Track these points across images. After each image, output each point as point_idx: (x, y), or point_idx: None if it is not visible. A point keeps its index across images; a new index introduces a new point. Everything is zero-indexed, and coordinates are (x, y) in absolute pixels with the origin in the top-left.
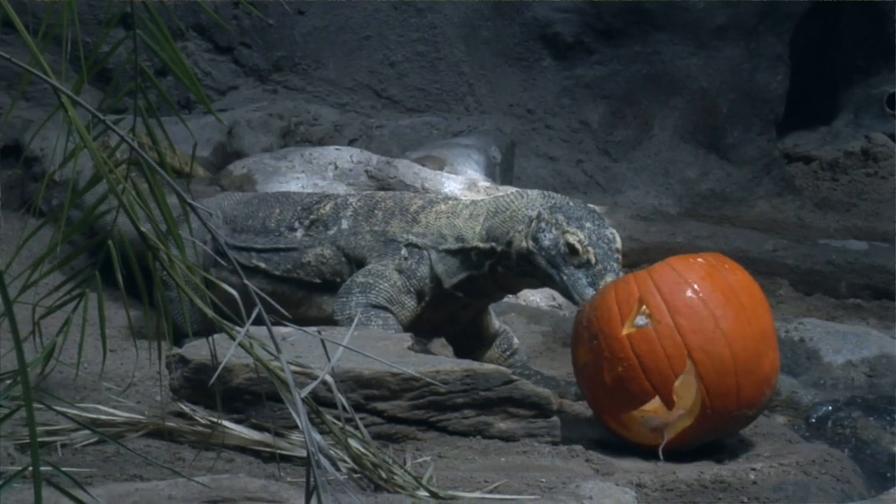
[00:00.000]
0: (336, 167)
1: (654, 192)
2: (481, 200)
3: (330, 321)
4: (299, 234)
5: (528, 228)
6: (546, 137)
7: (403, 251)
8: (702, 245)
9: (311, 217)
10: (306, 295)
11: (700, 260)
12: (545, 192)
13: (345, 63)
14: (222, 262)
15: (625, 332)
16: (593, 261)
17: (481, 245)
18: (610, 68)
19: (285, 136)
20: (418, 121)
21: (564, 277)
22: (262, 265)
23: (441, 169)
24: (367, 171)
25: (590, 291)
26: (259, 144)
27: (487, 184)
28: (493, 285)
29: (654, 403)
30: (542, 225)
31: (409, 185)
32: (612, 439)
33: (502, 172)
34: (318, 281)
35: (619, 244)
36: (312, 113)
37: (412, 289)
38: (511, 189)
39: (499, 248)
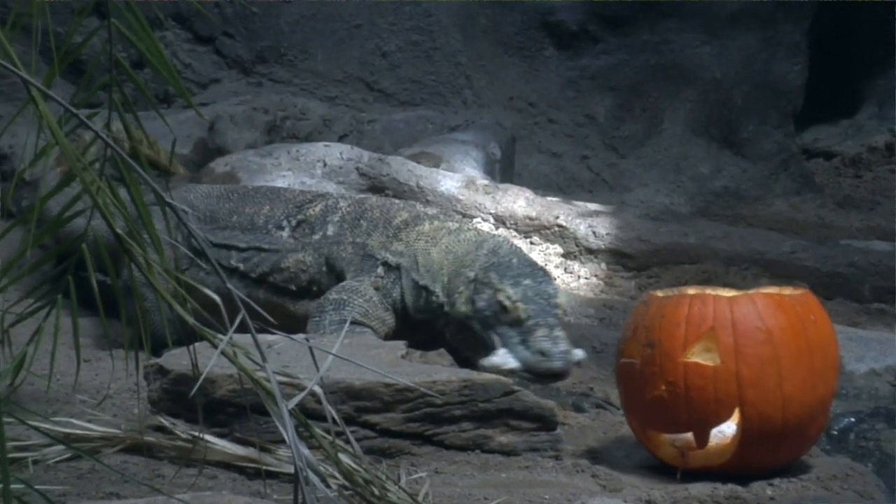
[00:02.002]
0: (325, 164)
1: (665, 190)
2: (465, 230)
3: (294, 331)
4: (285, 233)
5: (468, 291)
6: (549, 132)
7: (380, 269)
8: (715, 247)
9: (300, 217)
10: (279, 301)
11: (787, 300)
12: (498, 244)
13: (334, 54)
14: (201, 262)
15: (684, 358)
16: (523, 317)
17: (440, 297)
18: (617, 58)
19: (271, 131)
20: (412, 115)
21: (496, 338)
22: (241, 266)
23: (437, 166)
24: (357, 169)
25: (522, 353)
26: (243, 140)
27: (486, 181)
28: (444, 337)
29: (686, 438)
30: (479, 287)
31: (402, 184)
32: (619, 454)
33: (502, 169)
34: (293, 288)
35: (560, 300)
36: (300, 107)
37: (389, 307)
38: (509, 191)
39: (446, 306)
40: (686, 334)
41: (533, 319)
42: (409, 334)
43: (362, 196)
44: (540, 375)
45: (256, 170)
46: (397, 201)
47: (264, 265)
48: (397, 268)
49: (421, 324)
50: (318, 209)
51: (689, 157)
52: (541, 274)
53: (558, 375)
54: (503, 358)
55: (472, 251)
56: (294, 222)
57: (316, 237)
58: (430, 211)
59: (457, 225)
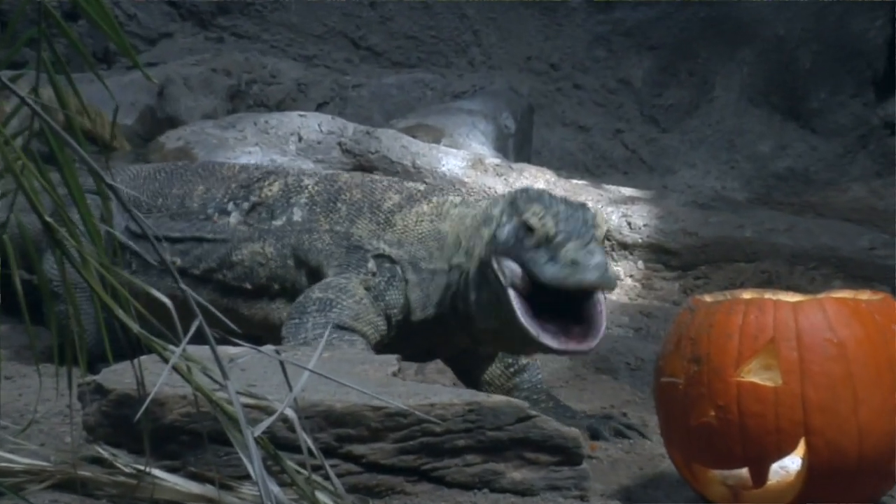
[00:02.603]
0: (300, 139)
1: (716, 172)
2: (476, 201)
3: (258, 341)
4: (233, 219)
5: (492, 230)
6: (574, 101)
7: (371, 264)
8: (777, 241)
9: (252, 199)
10: (231, 303)
11: (864, 307)
12: (521, 189)
13: (311, 4)
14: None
15: (737, 376)
16: (552, 233)
17: (453, 261)
18: (658, 11)
19: (234, 98)
20: (407, 78)
21: (522, 265)
22: (178, 261)
23: (437, 141)
24: (340, 144)
25: (549, 268)
26: (199, 109)
27: (497, 160)
28: (463, 331)
29: (740, 475)
30: (503, 220)
31: (395, 163)
32: (658, 494)
33: (517, 146)
34: (247, 286)
35: (600, 226)
36: (269, 68)
37: (381, 311)
38: (525, 172)
39: (459, 263)
40: (740, 348)
41: (564, 234)
42: (404, 344)
43: (329, 172)
44: (572, 292)
45: (216, 145)
46: (378, 178)
47: (209, 259)
48: (395, 263)
49: (424, 329)
50: (275, 188)
51: (746, 132)
52: (579, 205)
53: (592, 287)
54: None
55: (495, 204)
56: (246, 206)
57: (277, 223)
58: (421, 187)
59: (460, 198)
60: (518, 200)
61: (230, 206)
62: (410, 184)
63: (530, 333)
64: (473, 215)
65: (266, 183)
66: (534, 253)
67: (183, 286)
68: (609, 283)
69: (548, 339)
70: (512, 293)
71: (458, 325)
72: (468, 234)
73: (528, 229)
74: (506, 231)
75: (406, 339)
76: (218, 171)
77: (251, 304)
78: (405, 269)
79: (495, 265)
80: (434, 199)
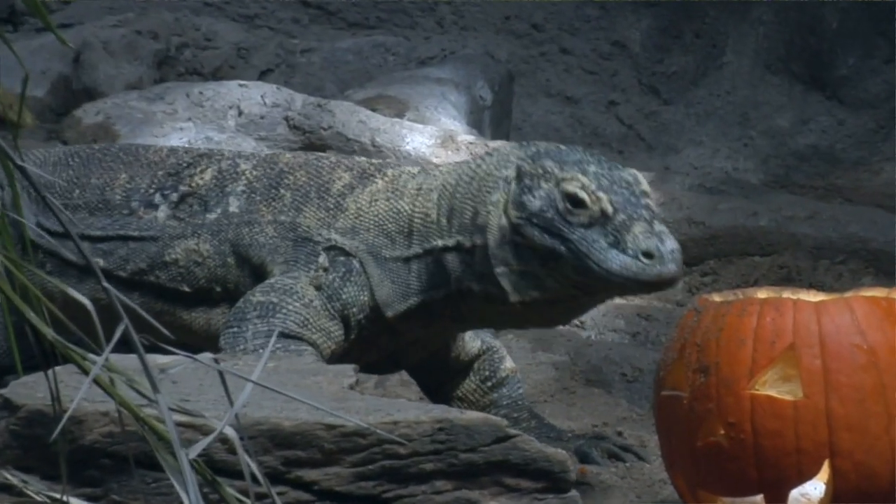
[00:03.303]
0: (240, 113)
1: (727, 151)
2: (436, 168)
3: (203, 348)
4: (162, 214)
5: (506, 196)
6: (561, 67)
7: (322, 258)
8: (798, 231)
9: (182, 189)
10: (168, 309)
11: None
12: (523, 143)
13: None
14: (71, 255)
15: (751, 389)
16: (610, 210)
17: (441, 242)
18: None
19: (162, 65)
20: (365, 42)
21: (572, 246)
22: (101, 262)
23: (401, 115)
24: (287, 119)
25: (614, 256)
26: (122, 78)
27: (471, 137)
28: (452, 316)
29: (754, 503)
30: (527, 182)
31: (351, 140)
32: None
33: (494, 120)
34: (185, 289)
35: (645, 186)
36: (203, 30)
37: (335, 314)
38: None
39: (468, 243)
40: (754, 356)
41: (623, 213)
42: (368, 349)
43: (269, 153)
44: (648, 287)
45: (141, 120)
46: (324, 156)
47: (138, 260)
48: (352, 254)
49: (403, 322)
50: (208, 175)
51: (762, 105)
52: (605, 161)
53: (671, 282)
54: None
55: (484, 160)
56: (175, 197)
57: (212, 216)
58: (374, 161)
59: (418, 168)
60: (543, 161)
61: (157, 198)
62: (360, 159)
63: (623, 273)
64: (444, 184)
65: (197, 170)
66: (585, 232)
67: (106, 284)
68: (682, 272)
69: (647, 269)
70: (577, 239)
71: (454, 309)
72: (463, 206)
73: (575, 203)
74: (538, 199)
75: (371, 341)
76: (143, 156)
77: (191, 309)
78: (364, 261)
79: (536, 238)
80: (389, 173)
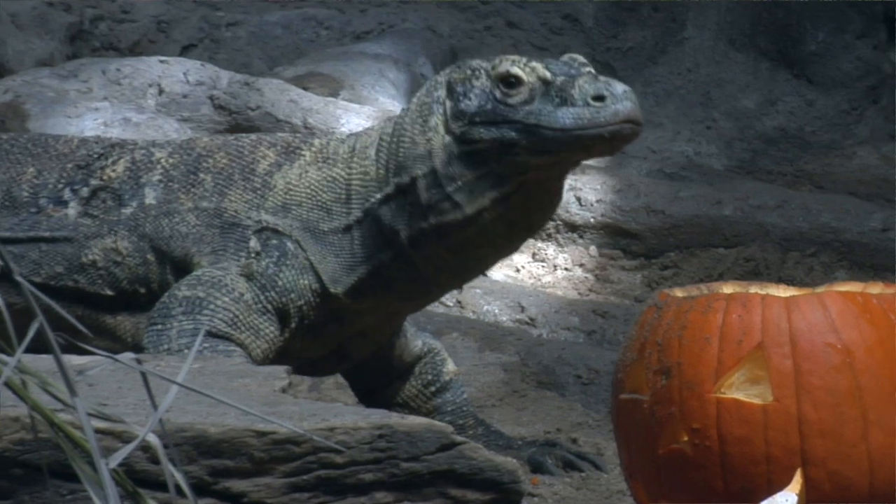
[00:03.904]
0: (161, 91)
1: (688, 134)
2: (370, 127)
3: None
4: (72, 211)
5: (444, 115)
6: (508, 43)
7: (253, 242)
8: (765, 221)
9: (93, 183)
10: (90, 314)
11: (875, 303)
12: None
13: None
14: None
15: (716, 392)
16: (548, 75)
17: (380, 195)
18: None
19: (76, 39)
20: (296, 15)
21: (520, 125)
22: (12, 265)
23: (335, 94)
24: (212, 99)
25: (564, 112)
26: (32, 54)
27: None
28: (407, 277)
29: None
30: (459, 90)
31: (281, 121)
32: None
33: None
34: (108, 292)
35: (583, 60)
36: (120, 1)
37: (270, 306)
38: None
39: (407, 179)
40: (720, 356)
41: (563, 75)
42: (312, 339)
43: (186, 139)
44: (610, 130)
45: (54, 99)
46: (244, 136)
47: (53, 263)
48: (285, 234)
49: (354, 295)
50: (120, 167)
51: (726, 83)
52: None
53: (630, 121)
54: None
55: (412, 103)
56: (85, 192)
57: (127, 211)
58: (298, 134)
59: (349, 134)
60: (470, 62)
61: (66, 194)
62: (283, 134)
63: (578, 123)
64: (380, 134)
65: (109, 161)
66: (530, 107)
67: (19, 277)
68: (640, 117)
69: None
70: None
71: (409, 267)
72: (401, 145)
73: (511, 83)
74: (474, 99)
75: (316, 332)
76: (52, 147)
77: (115, 313)
78: (301, 239)
79: (484, 135)
80: (316, 143)
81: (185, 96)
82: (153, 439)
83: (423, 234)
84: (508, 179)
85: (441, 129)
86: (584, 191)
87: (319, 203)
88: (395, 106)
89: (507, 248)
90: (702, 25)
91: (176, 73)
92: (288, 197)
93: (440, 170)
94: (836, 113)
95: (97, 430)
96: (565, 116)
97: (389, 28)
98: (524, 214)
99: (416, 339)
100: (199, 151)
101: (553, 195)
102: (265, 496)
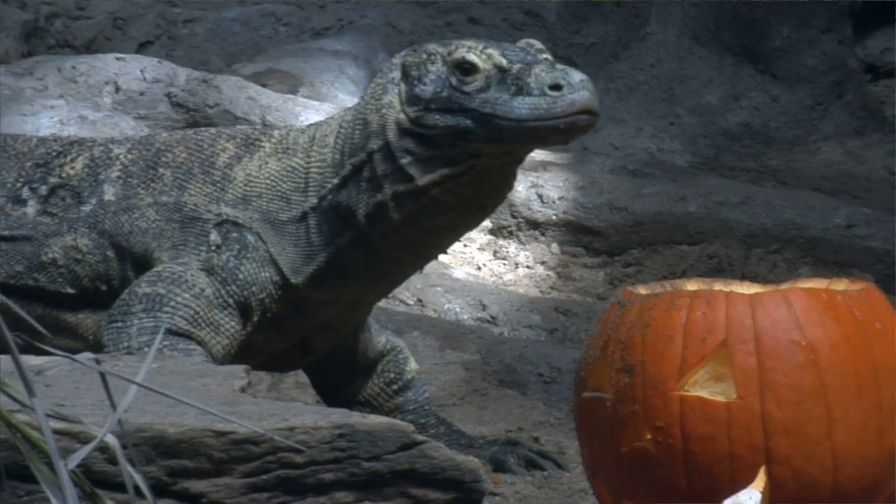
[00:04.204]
0: (117, 89)
1: (651, 130)
2: (331, 116)
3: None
4: (31, 209)
5: (398, 96)
6: (469, 38)
7: (214, 235)
8: (729, 218)
9: (52, 181)
10: (50, 313)
11: (840, 300)
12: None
13: None
14: None
15: (680, 390)
16: (504, 62)
17: (336, 179)
18: None
19: (31, 37)
20: (254, 11)
21: (476, 114)
22: None
23: (294, 91)
24: (169, 96)
25: (520, 102)
26: None
27: None
28: (365, 260)
29: None
30: (414, 74)
31: (240, 119)
32: None
33: None
34: (69, 290)
35: (540, 46)
36: None
37: (231, 300)
38: None
39: (363, 156)
40: (684, 354)
41: (519, 63)
42: (274, 332)
43: (144, 135)
44: (565, 121)
45: (9, 97)
46: (202, 130)
47: (13, 262)
48: (245, 226)
49: (302, 301)
50: (79, 165)
51: (689, 79)
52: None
53: (587, 111)
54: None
55: (367, 88)
56: (44, 190)
57: (87, 208)
58: (257, 127)
59: (312, 123)
60: (425, 46)
61: (25, 193)
62: (242, 127)
63: (534, 114)
64: (339, 121)
65: (67, 159)
66: (486, 95)
67: None
68: (598, 108)
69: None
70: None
71: (366, 249)
72: (355, 128)
73: (467, 70)
74: (429, 84)
75: (278, 324)
76: (10, 147)
77: (77, 311)
78: (261, 231)
79: (439, 122)
80: (276, 134)
81: (141, 94)
82: (111, 440)
83: (380, 207)
84: (461, 163)
85: (395, 106)
86: (546, 188)
87: (279, 193)
88: (354, 102)
89: (461, 224)
90: (665, 21)
91: (133, 70)
92: (248, 189)
93: (394, 143)
94: (800, 108)
95: (55, 431)
96: (521, 106)
97: (349, 24)
98: (476, 192)
99: (379, 335)
100: (158, 146)
101: (506, 177)
102: (224, 496)
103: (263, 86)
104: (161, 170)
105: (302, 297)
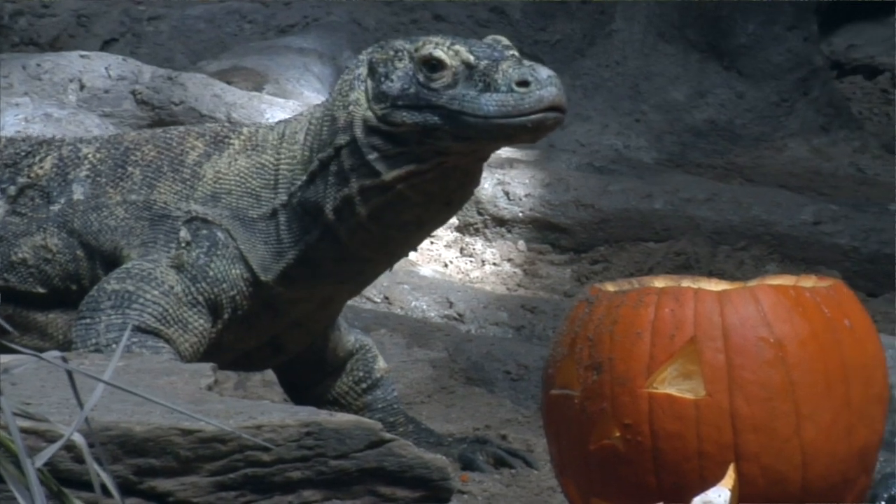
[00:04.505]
0: (82, 87)
1: (617, 127)
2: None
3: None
4: (0, 209)
5: (365, 93)
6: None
7: (183, 232)
8: (695, 215)
9: (20, 181)
10: (20, 312)
11: (808, 297)
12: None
13: None
14: None
15: (648, 387)
16: (472, 59)
17: (305, 176)
18: None
19: None
20: (219, 9)
21: (444, 111)
22: None
23: (259, 89)
24: (134, 94)
25: (487, 99)
26: None
27: None
28: (334, 256)
29: None
30: (381, 71)
31: (205, 116)
32: None
33: None
34: (40, 290)
35: (507, 42)
36: None
37: (201, 298)
38: None
39: (331, 151)
40: (652, 351)
41: (486, 59)
42: (245, 330)
43: (113, 135)
44: (533, 119)
45: None
46: (172, 128)
47: None
48: (215, 223)
49: (273, 299)
50: (48, 164)
51: (655, 76)
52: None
53: (555, 108)
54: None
55: (335, 85)
56: (13, 190)
57: (56, 207)
58: (226, 124)
59: (283, 120)
60: (392, 43)
61: None
62: (211, 124)
63: (502, 111)
64: (309, 117)
65: (36, 159)
66: (454, 92)
67: None
68: (566, 104)
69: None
70: (446, 101)
71: (334, 245)
72: (322, 125)
73: (434, 66)
74: (397, 81)
75: (249, 322)
76: None
77: (47, 311)
78: (231, 228)
79: (406, 119)
80: (245, 131)
81: (106, 91)
82: (78, 438)
83: (346, 201)
84: (428, 160)
85: (362, 103)
86: (513, 185)
87: (248, 190)
88: (320, 100)
89: (426, 220)
90: (630, 18)
91: (97, 67)
92: (217, 186)
93: (361, 140)
94: (766, 105)
95: (21, 430)
96: (489, 103)
97: (314, 21)
98: (442, 188)
99: (348, 334)
100: (127, 145)
101: (472, 174)
102: (191, 495)
103: (229, 83)
104: (130, 168)
105: (273, 295)
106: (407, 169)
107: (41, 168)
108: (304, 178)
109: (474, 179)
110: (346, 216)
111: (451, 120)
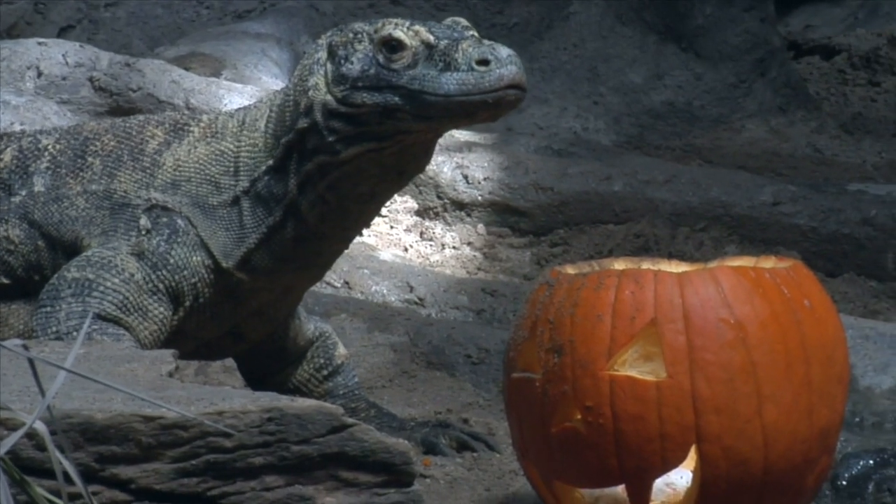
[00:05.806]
0: (39, 74)
1: (575, 110)
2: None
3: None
4: None
5: (324, 77)
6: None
7: (143, 220)
8: (654, 196)
9: None
10: None
11: (768, 278)
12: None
13: None
14: None
15: (609, 370)
16: (432, 39)
17: (267, 164)
18: None
19: None
20: None
21: (404, 91)
22: None
23: (217, 74)
24: (92, 80)
25: (448, 78)
26: None
27: None
28: (295, 236)
29: (615, 494)
30: (341, 54)
31: (163, 102)
32: None
33: None
34: (4, 281)
35: (466, 23)
36: None
37: (162, 285)
38: None
39: (293, 136)
40: (613, 333)
41: (446, 39)
42: (207, 318)
43: (72, 125)
44: (494, 96)
45: None
46: (131, 117)
47: None
48: (174, 210)
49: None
50: (7, 157)
51: (613, 58)
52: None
53: (515, 86)
54: None
55: (296, 71)
56: None
57: (17, 199)
58: (186, 112)
59: (234, 109)
60: (352, 25)
61: None
62: (170, 113)
63: (462, 89)
64: (270, 103)
65: None
66: (414, 72)
67: None
68: (526, 83)
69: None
70: (406, 82)
71: (297, 224)
72: (290, 110)
73: (394, 47)
74: (356, 63)
75: (211, 311)
76: None
77: (10, 302)
78: (191, 216)
79: (367, 100)
80: (205, 119)
81: (64, 78)
82: (40, 426)
83: (308, 176)
84: (388, 139)
85: (322, 87)
86: (472, 168)
87: (208, 177)
88: (278, 85)
89: (381, 191)
90: (588, 0)
91: (54, 54)
92: (177, 174)
93: (321, 123)
94: (724, 86)
95: None
96: (449, 82)
97: (271, 7)
98: (397, 161)
99: (308, 322)
100: (87, 135)
101: (428, 149)
102: (153, 482)
103: (186, 69)
104: (90, 158)
105: (234, 283)
106: (367, 146)
107: (1, 161)
108: (270, 163)
109: (428, 153)
110: (307, 191)
111: (412, 99)
